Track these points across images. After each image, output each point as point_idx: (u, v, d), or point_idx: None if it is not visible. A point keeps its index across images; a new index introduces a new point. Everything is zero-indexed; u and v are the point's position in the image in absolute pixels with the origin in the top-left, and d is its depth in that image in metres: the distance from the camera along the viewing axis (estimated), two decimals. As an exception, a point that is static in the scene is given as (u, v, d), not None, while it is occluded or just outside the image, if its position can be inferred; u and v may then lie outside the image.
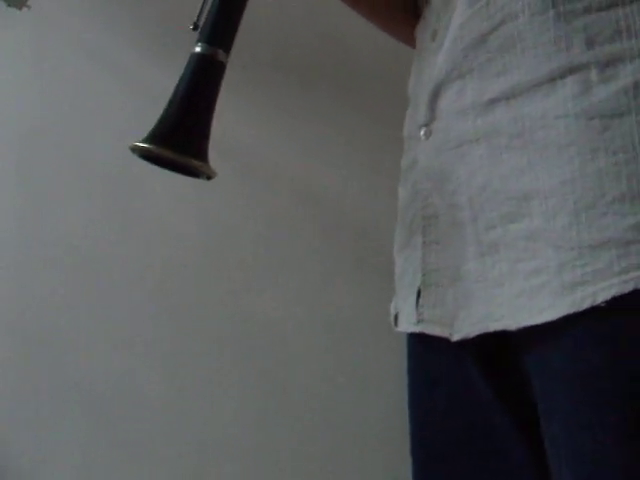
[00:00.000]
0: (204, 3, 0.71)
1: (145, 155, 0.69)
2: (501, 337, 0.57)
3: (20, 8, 1.13)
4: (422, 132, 0.64)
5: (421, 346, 0.69)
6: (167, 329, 1.31)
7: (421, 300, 0.66)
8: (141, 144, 0.68)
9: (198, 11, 0.71)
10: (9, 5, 1.13)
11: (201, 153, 0.67)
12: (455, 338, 0.61)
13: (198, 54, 0.70)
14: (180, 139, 0.67)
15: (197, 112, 0.69)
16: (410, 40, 0.79)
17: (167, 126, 0.68)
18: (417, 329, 0.67)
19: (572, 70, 0.54)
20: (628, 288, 0.50)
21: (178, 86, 0.69)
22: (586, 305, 0.51)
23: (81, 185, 1.33)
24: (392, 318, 0.72)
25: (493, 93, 0.58)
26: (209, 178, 0.68)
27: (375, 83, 1.27)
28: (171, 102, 0.69)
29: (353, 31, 1.25)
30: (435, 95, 0.63)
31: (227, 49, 0.71)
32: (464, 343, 0.61)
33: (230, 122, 1.28)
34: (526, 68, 0.56)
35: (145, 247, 1.31)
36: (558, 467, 0.55)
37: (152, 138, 0.67)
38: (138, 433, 1.31)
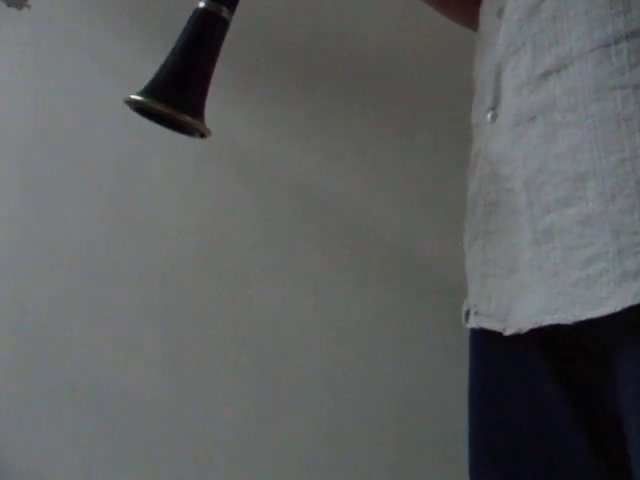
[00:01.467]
0: None
1: (139, 109, 0.66)
2: (569, 330, 0.53)
3: (20, 8, 1.13)
4: (489, 116, 0.61)
5: (482, 340, 0.65)
6: (167, 329, 1.31)
7: (477, 292, 0.63)
8: (136, 97, 0.66)
9: None
10: (9, 5, 1.13)
11: (197, 110, 0.64)
12: (508, 332, 0.58)
13: (202, 9, 0.67)
14: (176, 94, 0.64)
15: (196, 68, 0.66)
16: (470, 21, 0.74)
17: (164, 80, 0.65)
18: (474, 321, 0.63)
19: (629, 35, 0.49)
20: None
21: (179, 40, 0.67)
22: None
23: (81, 185, 1.33)
24: (463, 314, 0.69)
25: (545, 66, 0.54)
26: (202, 136, 0.65)
27: (377, 83, 1.27)
28: (170, 55, 0.67)
29: (355, 31, 1.25)
30: (497, 75, 0.60)
31: (231, 6, 0.68)
32: (528, 337, 0.57)
33: (230, 122, 1.28)
34: (577, 35, 0.52)
35: (145, 247, 1.31)
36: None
37: (148, 91, 0.65)
38: (138, 433, 1.31)
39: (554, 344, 0.57)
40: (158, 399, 1.31)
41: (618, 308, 0.48)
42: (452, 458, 1.23)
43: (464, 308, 0.68)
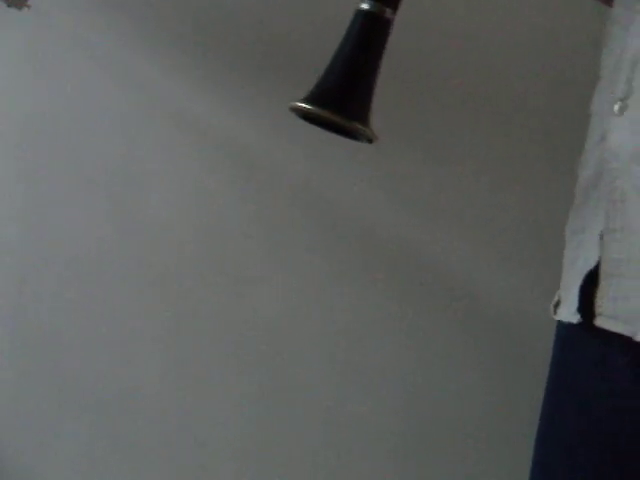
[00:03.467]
0: None
1: (305, 115, 0.65)
2: None
3: (20, 8, 1.13)
4: (617, 107, 0.58)
5: (589, 335, 0.62)
6: (167, 329, 1.31)
7: (600, 291, 0.59)
8: (304, 105, 0.65)
9: None
10: (9, 5, 1.13)
11: (364, 116, 0.64)
12: (639, 338, 0.54)
13: (365, 11, 0.66)
14: (345, 102, 0.64)
15: (363, 73, 0.65)
16: None
17: (331, 87, 0.64)
18: (596, 323, 0.60)
19: None
20: None
21: (343, 45, 0.66)
22: None
23: (81, 185, 1.33)
24: (552, 306, 0.66)
25: None
26: (370, 142, 0.66)
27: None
28: (335, 61, 0.65)
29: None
30: (634, 64, 0.57)
31: (394, 6, 0.66)
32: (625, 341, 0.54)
33: (231, 123, 1.28)
34: None
35: (145, 248, 1.31)
36: None
37: (315, 99, 0.64)
38: (138, 433, 1.31)
39: None
40: (158, 399, 1.31)
41: None
42: (456, 458, 1.23)
43: (555, 299, 0.66)
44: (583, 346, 0.63)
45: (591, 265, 0.60)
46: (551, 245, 1.23)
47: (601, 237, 0.60)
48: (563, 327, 0.64)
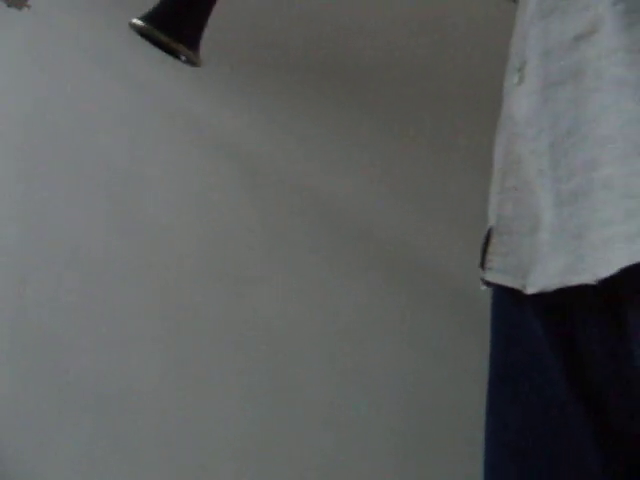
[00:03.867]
0: None
1: (140, 32, 0.71)
2: (585, 296, 0.53)
3: (20, 8, 1.13)
4: (516, 78, 0.61)
5: (501, 299, 0.65)
6: (168, 330, 1.31)
7: (491, 247, 0.62)
8: (139, 22, 0.71)
9: None
10: (9, 5, 1.13)
11: (193, 41, 0.69)
12: (530, 291, 0.57)
13: None
14: (175, 24, 0.69)
15: (196, 2, 0.70)
16: None
17: (165, 9, 0.69)
18: (485, 277, 0.63)
19: None
20: None
21: None
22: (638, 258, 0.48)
23: (81, 185, 1.33)
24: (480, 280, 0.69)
25: (576, 30, 0.54)
26: (194, 65, 0.70)
27: (379, 85, 1.27)
28: None
29: (359, 32, 1.25)
30: (525, 38, 0.60)
31: None
32: (535, 303, 0.56)
33: (232, 124, 1.28)
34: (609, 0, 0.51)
35: (145, 247, 1.31)
36: None
37: (149, 18, 0.70)
38: (138, 433, 1.31)
39: (559, 306, 0.58)
40: (158, 399, 1.31)
41: (617, 268, 0.49)
42: (456, 458, 1.23)
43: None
44: (506, 308, 0.66)
45: (490, 224, 0.63)
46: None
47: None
48: (496, 295, 0.68)
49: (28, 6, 1.13)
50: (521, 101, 0.60)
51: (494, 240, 0.62)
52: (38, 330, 1.33)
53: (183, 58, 0.70)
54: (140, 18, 0.71)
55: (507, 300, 0.64)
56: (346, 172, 1.27)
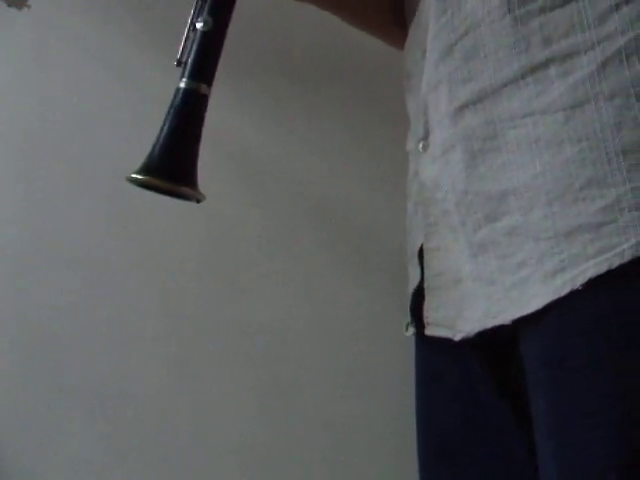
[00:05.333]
0: (185, 41, 0.77)
1: (139, 184, 0.76)
2: (506, 333, 0.59)
3: (20, 8, 1.13)
4: (420, 146, 0.67)
5: (425, 346, 0.73)
6: (168, 330, 1.31)
7: (425, 305, 0.68)
8: (136, 175, 0.75)
9: (180, 49, 0.77)
10: (9, 5, 1.13)
11: (191, 180, 0.74)
12: (457, 337, 0.63)
13: (183, 89, 0.76)
14: (171, 169, 0.73)
15: (185, 144, 0.75)
16: (399, 43, 0.81)
17: (159, 158, 0.74)
18: (425, 332, 0.69)
19: (532, 69, 0.56)
20: (602, 269, 0.52)
21: (165, 120, 0.76)
22: (566, 290, 0.53)
23: (81, 186, 1.33)
24: (404, 325, 0.76)
25: (460, 100, 0.61)
26: (198, 201, 0.76)
27: (380, 85, 1.27)
28: (160, 136, 0.75)
29: (358, 32, 1.25)
30: (425, 109, 0.66)
31: (209, 83, 0.77)
32: (467, 342, 0.63)
33: (233, 125, 1.28)
34: (489, 73, 0.59)
35: (145, 247, 1.31)
36: (541, 448, 0.57)
37: (146, 169, 0.74)
38: (139, 434, 1.31)
39: (490, 348, 0.64)
40: (158, 400, 1.31)
41: (542, 304, 0.55)
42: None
43: (406, 320, 0.76)
44: (419, 354, 0.76)
45: (416, 282, 0.70)
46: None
47: (420, 257, 0.69)
48: (419, 342, 0.76)
49: (28, 6, 1.13)
50: (427, 167, 0.66)
51: (427, 297, 0.68)
52: (38, 330, 1.33)
53: (194, 200, 0.76)
54: (138, 172, 0.76)
55: (434, 349, 0.71)
56: (347, 172, 1.27)
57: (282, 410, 1.28)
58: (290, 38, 1.27)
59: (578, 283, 0.53)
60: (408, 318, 0.75)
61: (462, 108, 0.60)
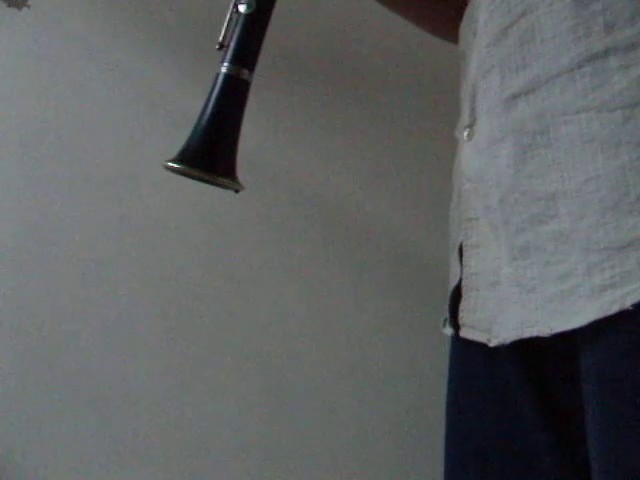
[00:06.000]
0: (228, 23, 0.74)
1: (176, 172, 0.74)
2: (547, 341, 0.56)
3: (20, 8, 1.13)
4: (465, 134, 0.64)
5: (461, 346, 0.69)
6: (168, 330, 1.31)
7: (461, 305, 0.66)
8: (173, 164, 0.73)
9: (223, 31, 0.74)
10: (9, 5, 1.13)
11: (229, 170, 0.71)
12: (493, 343, 0.60)
13: (224, 74, 0.73)
14: (210, 159, 0.71)
15: (225, 132, 0.72)
16: (451, 35, 0.76)
17: (197, 146, 0.72)
18: (460, 333, 0.67)
19: (590, 58, 0.51)
20: None
21: (205, 106, 0.73)
22: (614, 309, 0.50)
23: (81, 186, 1.33)
24: (442, 320, 0.73)
25: (513, 89, 0.56)
26: (237, 191, 0.73)
27: (379, 84, 1.27)
28: (199, 122, 0.73)
29: (358, 31, 1.25)
30: (473, 95, 0.62)
31: (251, 68, 0.74)
32: (503, 348, 0.60)
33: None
34: (544, 60, 0.54)
35: (145, 248, 1.31)
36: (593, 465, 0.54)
37: (183, 158, 0.72)
38: (139, 434, 1.30)
39: (527, 350, 0.61)
40: (159, 400, 1.30)
41: (587, 321, 0.51)
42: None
43: (444, 315, 0.73)
44: (456, 356, 0.72)
45: (456, 280, 0.67)
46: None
47: (461, 253, 0.66)
48: (455, 341, 0.72)
49: (28, 6, 1.13)
50: (471, 158, 0.63)
51: (463, 297, 0.65)
52: (38, 330, 1.33)
53: (232, 190, 0.74)
54: (174, 161, 0.74)
55: (470, 350, 0.67)
56: (348, 172, 1.27)
57: (282, 410, 1.28)
58: (290, 37, 1.27)
59: (628, 303, 0.49)
60: (446, 314, 0.71)
61: (514, 98, 0.56)
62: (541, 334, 0.55)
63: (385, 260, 1.25)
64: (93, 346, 1.31)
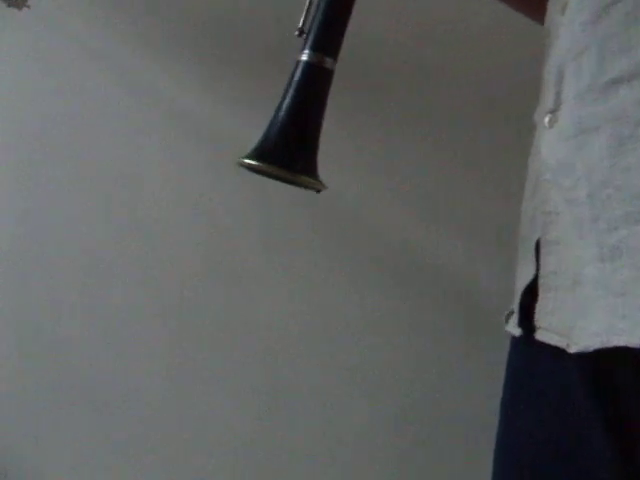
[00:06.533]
0: (309, 8, 0.67)
1: (252, 169, 0.65)
2: (623, 351, 0.50)
3: (20, 8, 1.13)
4: (547, 119, 0.58)
5: (525, 347, 0.63)
6: (168, 330, 1.31)
7: (538, 305, 0.60)
8: (249, 161, 0.65)
9: (303, 16, 0.67)
10: (9, 5, 1.13)
11: (310, 168, 0.64)
12: (572, 350, 0.55)
13: (305, 62, 0.67)
14: (291, 156, 0.64)
15: (306, 126, 0.66)
16: (538, 14, 0.69)
17: (275, 142, 0.64)
18: (536, 336, 0.61)
19: None
20: None
21: (285, 96, 0.66)
22: None
23: (81, 186, 1.33)
24: (505, 316, 0.67)
25: (614, 72, 0.51)
26: (318, 191, 0.66)
27: (379, 84, 1.27)
28: (277, 115, 0.66)
29: (366, 34, 1.25)
30: (560, 77, 0.56)
31: (334, 56, 0.67)
32: (577, 355, 0.54)
33: (234, 124, 1.28)
34: None
35: (146, 249, 1.31)
36: None
37: (260, 154, 0.64)
38: (140, 434, 1.30)
39: (599, 357, 0.55)
40: (158, 400, 1.30)
41: None
42: (456, 459, 1.23)
43: (509, 309, 0.67)
44: (525, 358, 0.64)
45: (529, 278, 0.61)
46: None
47: (537, 249, 0.60)
48: (516, 339, 0.65)
49: (28, 6, 1.13)
50: (554, 146, 0.57)
51: (540, 297, 0.59)
52: (38, 330, 1.33)
53: (314, 190, 0.66)
54: (250, 157, 0.65)
55: (534, 349, 0.61)
56: (349, 172, 1.27)
57: (282, 410, 1.28)
58: (291, 37, 1.27)
59: None
60: (513, 312, 0.65)
61: (614, 83, 0.50)
62: (629, 344, 0.49)
63: (385, 260, 1.25)
64: (93, 346, 1.31)
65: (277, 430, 1.28)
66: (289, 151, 0.65)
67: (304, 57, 0.67)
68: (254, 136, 1.30)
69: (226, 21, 1.26)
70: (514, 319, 0.64)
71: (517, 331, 0.63)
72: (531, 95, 1.18)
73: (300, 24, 0.67)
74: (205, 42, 1.27)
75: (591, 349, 0.52)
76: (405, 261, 1.25)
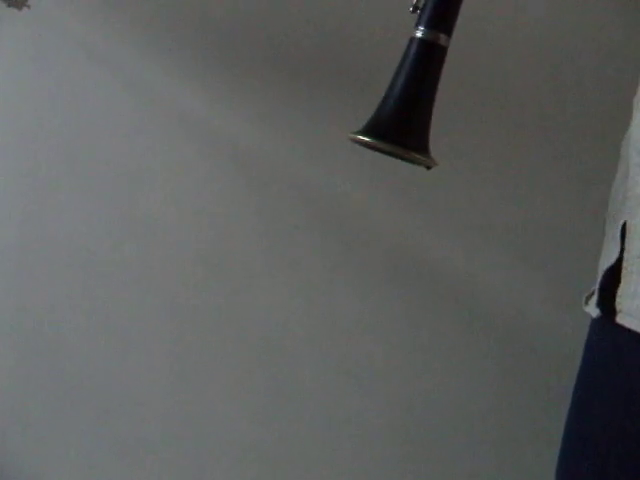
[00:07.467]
0: None
1: (364, 144, 0.66)
2: None
3: (20, 8, 1.13)
4: (636, 100, 0.56)
5: (608, 332, 0.62)
6: (168, 330, 1.31)
7: (620, 289, 0.59)
8: (362, 137, 0.65)
9: None
10: (9, 5, 1.13)
11: (423, 145, 0.64)
12: None
13: (419, 39, 0.66)
14: (403, 133, 0.64)
15: (420, 103, 0.65)
16: None
17: (389, 118, 0.64)
18: (617, 319, 0.59)
19: None
20: None
21: (397, 74, 0.66)
22: None
23: (81, 186, 1.33)
24: (585, 297, 0.66)
25: None
26: (429, 168, 0.66)
27: (378, 83, 1.27)
28: (391, 91, 0.66)
29: (358, 30, 1.25)
30: None
31: (449, 32, 0.66)
32: None
33: (234, 124, 1.28)
34: None
35: (146, 249, 1.31)
36: None
37: (373, 130, 0.64)
38: (140, 434, 1.30)
39: None
40: (159, 400, 1.30)
41: None
42: (456, 459, 1.23)
43: (590, 291, 0.66)
44: (604, 340, 0.62)
45: (612, 260, 0.59)
46: (554, 245, 1.23)
47: (623, 232, 0.58)
48: (592, 319, 0.64)
49: (28, 6, 1.13)
50: None
51: (623, 280, 0.58)
52: (38, 330, 1.33)
53: (424, 166, 0.67)
54: (363, 132, 0.66)
55: (619, 335, 0.60)
56: (349, 172, 1.27)
57: (283, 410, 1.28)
58: (291, 36, 1.27)
59: None
60: (593, 293, 0.64)
61: None
62: None
63: (385, 260, 1.25)
64: (93, 346, 1.31)
65: (278, 430, 1.28)
66: (403, 128, 0.65)
67: (419, 34, 0.66)
68: (254, 136, 1.30)
69: (226, 21, 1.26)
70: (594, 299, 0.63)
71: (595, 312, 0.62)
72: (531, 95, 1.18)
73: (414, 0, 0.67)
74: (205, 42, 1.27)
75: None
76: (405, 261, 1.25)
